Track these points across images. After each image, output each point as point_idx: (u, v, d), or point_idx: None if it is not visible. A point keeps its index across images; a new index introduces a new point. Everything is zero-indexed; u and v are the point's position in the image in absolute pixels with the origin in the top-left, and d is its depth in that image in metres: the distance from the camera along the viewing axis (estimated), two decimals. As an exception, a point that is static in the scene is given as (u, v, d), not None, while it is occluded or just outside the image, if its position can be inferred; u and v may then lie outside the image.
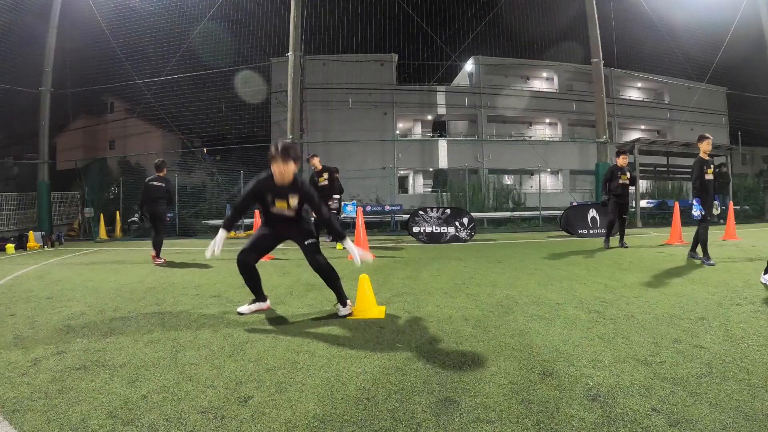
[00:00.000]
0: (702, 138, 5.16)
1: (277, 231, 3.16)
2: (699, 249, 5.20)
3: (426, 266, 5.38)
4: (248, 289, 3.21)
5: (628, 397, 1.69)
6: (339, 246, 6.84)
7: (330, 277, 3.07)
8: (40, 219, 12.58)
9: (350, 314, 3.04)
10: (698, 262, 5.10)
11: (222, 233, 2.98)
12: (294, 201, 3.00)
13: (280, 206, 3.02)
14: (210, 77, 15.04)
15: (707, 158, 5.19)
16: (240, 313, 3.14)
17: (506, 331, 2.58)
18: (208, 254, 2.88)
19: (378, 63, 20.98)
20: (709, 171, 5.16)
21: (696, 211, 5.02)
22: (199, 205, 14.39)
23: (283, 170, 2.88)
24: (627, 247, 6.83)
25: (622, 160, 7.06)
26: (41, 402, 1.76)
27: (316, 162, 7.14)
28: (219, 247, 2.90)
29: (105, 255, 7.97)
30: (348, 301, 3.11)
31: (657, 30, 15.63)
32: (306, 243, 3.08)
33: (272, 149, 2.88)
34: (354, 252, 2.92)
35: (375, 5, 15.68)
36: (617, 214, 7.05)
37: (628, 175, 7.00)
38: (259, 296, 3.23)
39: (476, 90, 22.32)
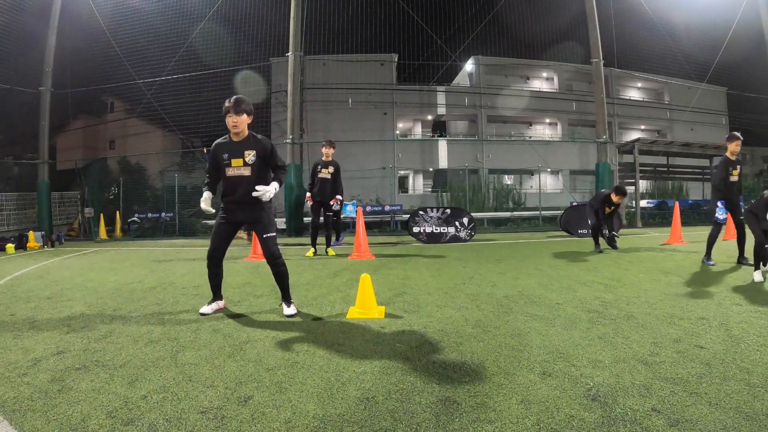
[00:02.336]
0: (732, 138, 4.86)
1: (234, 216, 3.12)
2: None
3: (426, 266, 5.38)
4: (210, 286, 3.24)
5: (628, 397, 1.69)
6: (331, 252, 6.85)
7: (282, 273, 3.10)
8: (40, 219, 12.57)
9: (295, 314, 3.05)
10: (714, 268, 4.70)
11: (206, 193, 3.18)
12: (250, 156, 2.97)
13: (235, 164, 2.99)
14: (210, 77, 15.04)
15: (734, 159, 4.88)
16: (203, 314, 3.12)
17: (506, 331, 2.58)
18: (203, 205, 3.16)
19: (378, 63, 20.97)
20: (735, 172, 4.87)
21: (721, 215, 4.76)
22: (199, 205, 14.39)
23: (236, 121, 2.91)
24: (616, 243, 6.84)
25: (617, 199, 6.67)
26: (41, 402, 1.76)
27: (330, 153, 6.64)
28: (207, 205, 3.13)
29: (105, 255, 7.97)
30: (293, 303, 3.14)
31: (657, 30, 15.64)
32: (264, 236, 3.08)
33: (225, 103, 2.91)
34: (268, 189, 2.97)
35: (375, 5, 15.68)
36: (599, 218, 6.90)
37: (613, 209, 6.87)
38: (216, 294, 3.26)
39: (476, 90, 22.30)
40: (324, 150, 6.69)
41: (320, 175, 6.61)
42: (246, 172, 3.00)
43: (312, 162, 6.99)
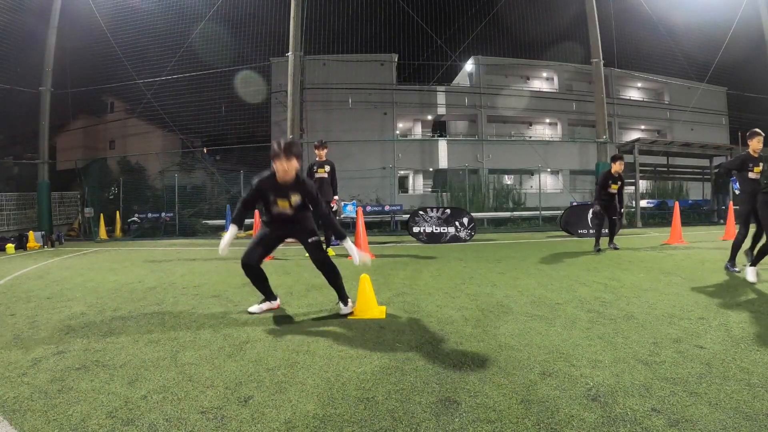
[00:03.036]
0: (753, 134, 4.58)
1: (278, 230, 3.17)
2: (746, 259, 4.37)
3: (426, 266, 5.38)
4: (256, 289, 3.22)
5: (628, 397, 1.69)
6: (331, 252, 6.85)
7: (332, 275, 3.10)
8: (40, 219, 12.57)
9: (351, 313, 3.06)
10: (741, 275, 4.29)
11: (233, 229, 3.00)
12: (296, 199, 3.00)
13: (282, 205, 3.02)
14: (210, 77, 15.05)
15: (755, 156, 4.55)
16: (250, 313, 3.15)
17: (506, 331, 2.58)
18: (223, 252, 2.93)
19: (378, 63, 20.97)
20: (757, 169, 4.50)
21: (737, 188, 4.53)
22: (199, 205, 14.40)
23: (287, 168, 2.88)
24: (617, 248, 6.69)
25: (617, 166, 6.72)
26: (41, 402, 1.76)
27: (323, 154, 6.74)
28: (227, 244, 2.95)
29: (105, 255, 7.97)
30: (349, 300, 3.13)
31: (657, 30, 15.65)
32: (309, 241, 3.09)
33: (275, 146, 2.87)
34: (353, 252, 2.92)
35: (375, 5, 15.69)
36: (603, 217, 6.89)
37: (619, 184, 6.76)
38: (269, 295, 3.25)
39: (476, 90, 22.31)
40: (317, 152, 6.74)
41: (317, 175, 6.66)
42: (290, 212, 3.06)
43: (311, 162, 7.02)
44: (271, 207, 3.05)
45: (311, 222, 3.17)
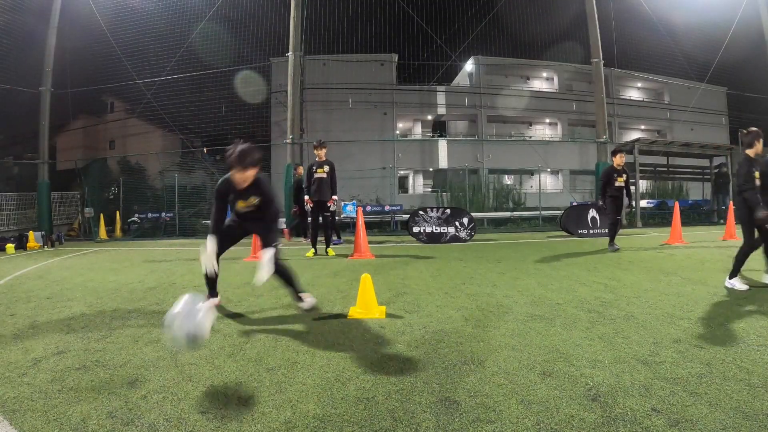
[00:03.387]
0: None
1: (243, 225, 3.25)
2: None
3: (426, 266, 5.38)
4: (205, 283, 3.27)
5: (628, 397, 1.69)
6: (331, 252, 6.86)
7: (287, 277, 3.14)
8: (40, 219, 12.57)
9: (314, 305, 3.17)
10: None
11: (212, 241, 3.00)
12: (255, 200, 3.10)
13: (242, 205, 3.13)
14: (210, 77, 15.05)
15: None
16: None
17: (506, 331, 2.58)
18: (208, 270, 3.01)
19: (378, 63, 20.97)
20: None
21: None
22: (199, 205, 14.40)
23: (244, 177, 2.94)
24: (618, 250, 6.49)
25: (618, 159, 6.78)
26: (41, 402, 1.76)
27: (322, 154, 6.65)
28: (212, 259, 2.98)
29: (105, 255, 7.97)
30: (305, 293, 3.22)
31: (657, 30, 15.64)
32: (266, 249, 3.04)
33: (230, 158, 2.87)
34: (262, 264, 2.77)
35: (375, 5, 15.68)
36: (615, 211, 6.81)
37: (624, 177, 6.75)
38: (212, 292, 3.29)
39: (476, 90, 22.30)
40: (316, 152, 6.75)
41: (316, 175, 6.66)
42: (252, 208, 3.14)
43: (311, 162, 6.99)
44: (234, 207, 3.17)
45: (275, 231, 3.18)
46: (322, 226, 6.89)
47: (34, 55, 13.13)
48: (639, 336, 2.43)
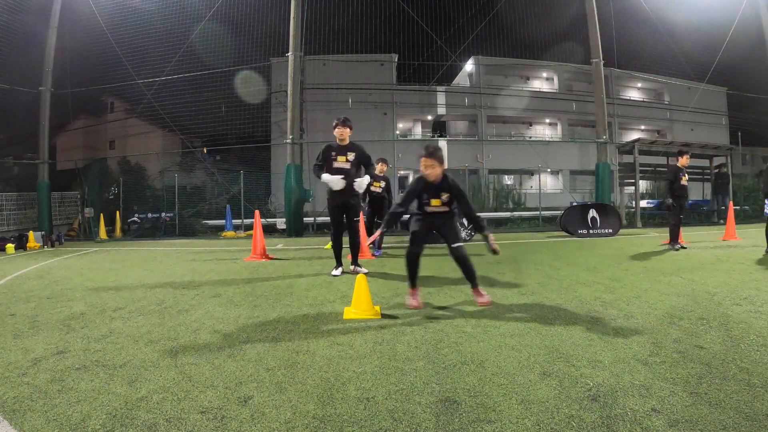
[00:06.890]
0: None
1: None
2: None
3: (425, 266, 5.37)
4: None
5: (628, 397, 1.69)
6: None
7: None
8: (40, 219, 12.57)
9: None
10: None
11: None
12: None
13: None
14: (210, 77, 15.05)
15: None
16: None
17: (506, 331, 2.58)
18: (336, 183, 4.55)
19: (378, 63, 20.97)
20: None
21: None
22: (199, 205, 14.39)
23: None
24: (683, 248, 6.51)
25: (684, 160, 6.80)
26: (41, 402, 1.76)
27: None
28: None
29: (105, 255, 7.97)
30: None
31: (657, 30, 15.65)
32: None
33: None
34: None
35: (375, 5, 15.67)
36: (678, 211, 6.75)
37: (686, 177, 6.79)
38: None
39: (476, 90, 22.31)
40: (379, 167, 5.86)
41: (372, 190, 5.74)
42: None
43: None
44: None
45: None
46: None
47: (34, 55, 13.13)
48: (639, 336, 2.43)
